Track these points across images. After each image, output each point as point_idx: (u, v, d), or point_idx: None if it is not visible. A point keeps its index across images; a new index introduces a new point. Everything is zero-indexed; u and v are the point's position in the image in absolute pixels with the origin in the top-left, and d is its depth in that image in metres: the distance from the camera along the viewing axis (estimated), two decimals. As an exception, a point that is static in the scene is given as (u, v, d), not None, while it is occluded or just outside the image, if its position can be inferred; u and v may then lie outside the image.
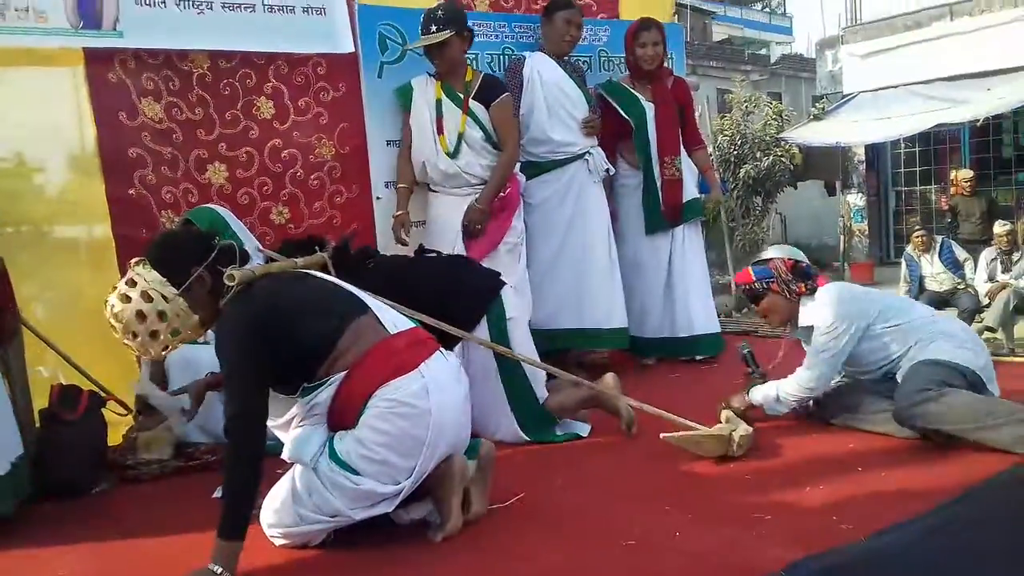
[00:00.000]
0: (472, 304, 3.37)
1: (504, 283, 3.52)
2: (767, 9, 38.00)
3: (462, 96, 4.10)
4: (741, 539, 2.33)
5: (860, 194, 14.22)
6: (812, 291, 3.33)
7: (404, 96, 4.23)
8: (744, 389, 3.49)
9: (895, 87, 12.54)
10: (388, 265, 3.52)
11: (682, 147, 4.77)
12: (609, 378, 3.50)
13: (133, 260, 2.43)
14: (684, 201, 4.71)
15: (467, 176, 4.10)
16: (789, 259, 3.38)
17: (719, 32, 30.31)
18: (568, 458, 3.23)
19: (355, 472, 2.32)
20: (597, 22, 5.09)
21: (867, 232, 14.21)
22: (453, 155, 4.07)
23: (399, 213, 4.17)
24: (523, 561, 2.31)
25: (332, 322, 2.42)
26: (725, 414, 3.34)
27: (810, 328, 3.29)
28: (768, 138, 13.91)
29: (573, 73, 4.59)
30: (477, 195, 4.08)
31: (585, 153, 4.51)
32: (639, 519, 2.52)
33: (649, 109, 4.69)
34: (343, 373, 2.36)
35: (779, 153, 13.67)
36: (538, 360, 3.50)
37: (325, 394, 2.37)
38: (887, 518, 2.39)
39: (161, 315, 2.35)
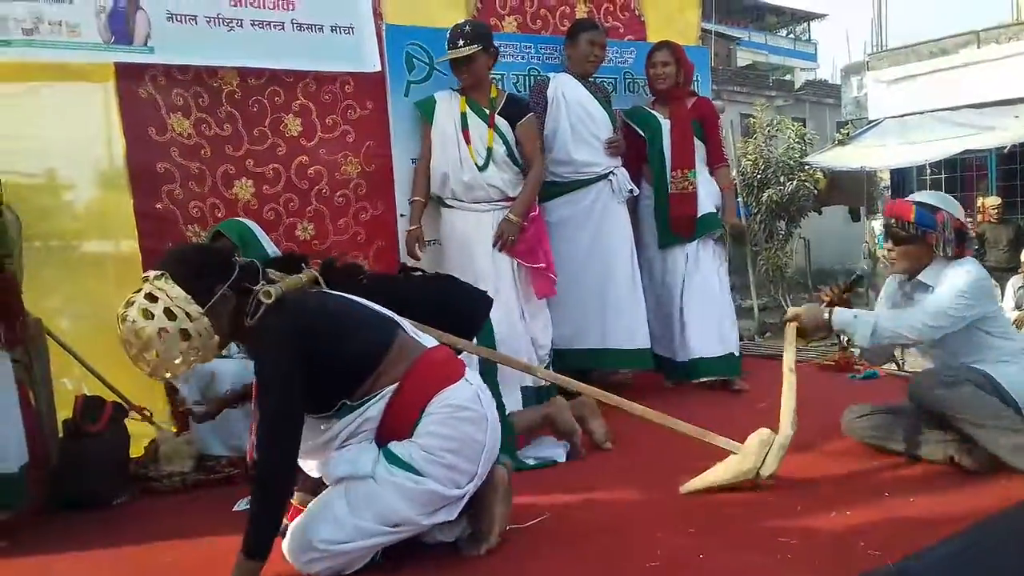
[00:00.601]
0: (468, 320, 3.38)
1: (492, 300, 3.56)
2: (791, 35, 38.08)
3: (487, 111, 4.12)
4: (767, 563, 2.31)
5: (885, 219, 14.10)
6: (958, 257, 3.14)
7: (426, 109, 4.23)
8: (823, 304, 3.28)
9: (921, 113, 12.46)
10: (380, 282, 3.52)
11: (699, 163, 4.70)
12: (559, 400, 3.57)
13: (152, 274, 2.27)
14: (699, 215, 4.63)
15: (489, 190, 4.10)
16: (958, 219, 3.15)
17: (743, 58, 30.40)
18: (590, 477, 3.20)
19: (418, 473, 2.27)
20: (623, 44, 5.10)
21: (892, 258, 14.05)
22: (482, 168, 4.08)
23: (413, 228, 4.18)
24: (545, 581, 2.29)
25: (382, 334, 2.41)
26: (789, 350, 3.15)
27: (927, 287, 3.15)
28: (792, 162, 13.86)
29: (598, 94, 4.60)
30: (496, 211, 4.10)
31: (609, 173, 4.50)
32: (663, 541, 2.50)
33: (665, 125, 4.68)
34: (394, 385, 2.33)
35: (803, 178, 13.62)
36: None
37: (376, 408, 2.33)
38: (914, 544, 2.35)
39: (184, 334, 2.21)
